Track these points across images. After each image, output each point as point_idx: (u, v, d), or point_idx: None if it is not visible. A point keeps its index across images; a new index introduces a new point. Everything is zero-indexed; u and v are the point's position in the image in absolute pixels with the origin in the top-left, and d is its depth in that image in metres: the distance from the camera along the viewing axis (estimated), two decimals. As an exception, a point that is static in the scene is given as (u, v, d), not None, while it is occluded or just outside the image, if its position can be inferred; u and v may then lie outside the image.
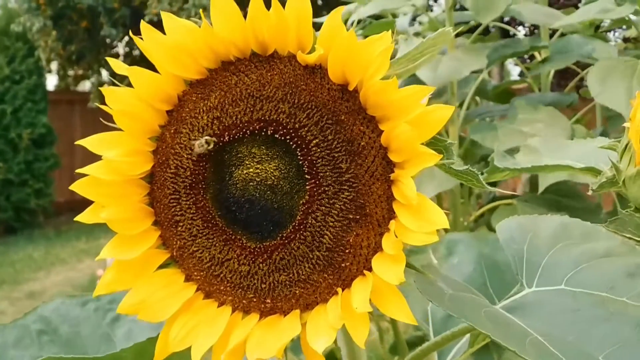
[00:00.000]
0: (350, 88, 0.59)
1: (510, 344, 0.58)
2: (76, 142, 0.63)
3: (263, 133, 0.60)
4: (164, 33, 0.61)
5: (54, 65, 12.75)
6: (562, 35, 2.59)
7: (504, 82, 3.25)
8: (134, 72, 0.61)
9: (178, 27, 0.61)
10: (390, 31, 0.58)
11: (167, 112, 0.65)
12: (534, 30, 6.00)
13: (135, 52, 14.07)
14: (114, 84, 0.63)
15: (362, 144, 0.59)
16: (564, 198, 2.25)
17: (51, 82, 13.12)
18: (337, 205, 0.60)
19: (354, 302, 0.57)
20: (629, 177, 0.91)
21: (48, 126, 10.35)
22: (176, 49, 0.61)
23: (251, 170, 0.60)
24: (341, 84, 0.60)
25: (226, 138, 0.61)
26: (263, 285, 0.63)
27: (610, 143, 1.03)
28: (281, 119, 0.60)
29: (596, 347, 0.64)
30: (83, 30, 12.11)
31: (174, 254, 0.66)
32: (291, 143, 0.60)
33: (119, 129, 0.63)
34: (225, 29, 0.59)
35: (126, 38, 13.37)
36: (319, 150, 0.59)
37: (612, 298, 0.70)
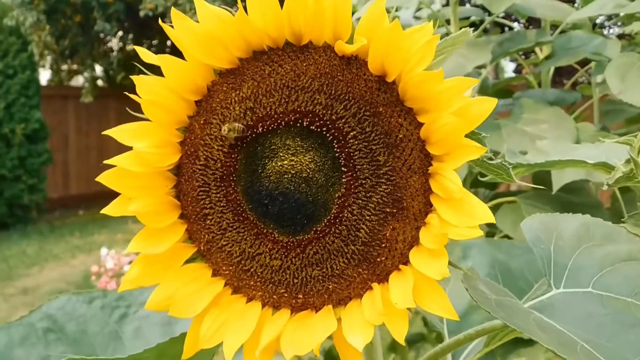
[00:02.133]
0: (389, 79, 0.58)
1: (565, 353, 0.57)
2: (103, 132, 0.61)
3: (298, 124, 0.59)
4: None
5: (47, 60, 12.69)
6: (562, 31, 2.58)
7: (505, 79, 3.24)
8: (165, 61, 0.59)
9: (211, 15, 0.59)
10: (432, 22, 0.56)
11: (196, 102, 0.63)
12: (528, 26, 6.00)
13: (129, 48, 14.02)
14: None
15: (399, 136, 0.58)
16: (567, 194, 2.24)
17: (44, 76, 13.05)
18: (374, 199, 0.58)
19: (392, 298, 0.56)
20: (647, 172, 0.90)
21: (41, 121, 10.28)
22: (208, 38, 0.59)
23: (285, 162, 0.59)
24: (378, 75, 0.58)
25: (260, 129, 0.60)
26: (295, 280, 0.61)
27: (625, 138, 1.03)
28: (317, 110, 0.58)
29: (630, 353, 0.63)
30: (76, 25, 12.06)
31: (201, 248, 0.64)
32: (327, 135, 0.58)
33: (146, 119, 0.62)
34: (261, 18, 0.58)
35: (120, 33, 13.32)
36: (356, 142, 0.58)
37: (636, 304, 0.70)
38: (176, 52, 0.62)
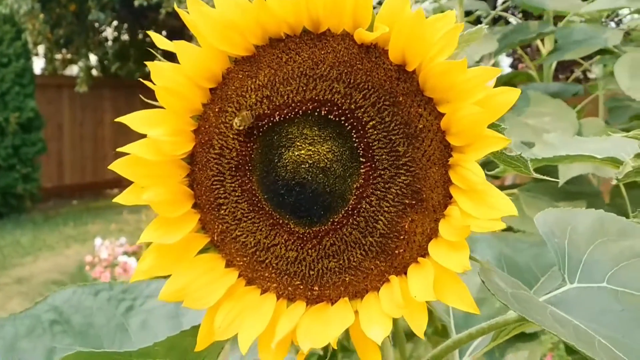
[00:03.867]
0: (409, 68, 0.57)
1: (584, 348, 0.56)
2: (116, 120, 0.60)
3: (316, 113, 0.58)
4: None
5: (40, 49, 12.63)
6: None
7: (508, 73, 3.22)
8: (180, 47, 0.58)
9: (228, 0, 0.58)
10: (454, 10, 0.55)
11: (211, 90, 0.62)
12: (526, 19, 6.00)
13: (124, 37, 13.96)
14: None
15: (419, 126, 0.57)
16: (566, 184, 2.24)
17: (38, 65, 12.99)
18: (393, 190, 0.57)
19: (412, 290, 0.55)
20: (659, 167, 0.89)
21: (36, 110, 10.23)
22: (225, 24, 0.58)
23: (303, 152, 0.58)
24: (398, 64, 0.57)
25: (277, 118, 0.58)
26: (311, 272, 0.60)
27: (635, 132, 1.02)
28: (336, 99, 0.57)
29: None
30: (71, 14, 12.00)
31: (215, 238, 0.63)
32: (346, 124, 0.57)
33: (158, 107, 0.60)
34: (279, 4, 0.57)
35: (115, 22, 13.25)
36: (375, 132, 0.57)
37: None
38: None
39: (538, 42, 2.64)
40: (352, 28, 0.57)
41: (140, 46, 13.84)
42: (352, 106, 0.57)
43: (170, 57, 0.59)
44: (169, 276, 0.63)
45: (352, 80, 0.57)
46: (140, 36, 14.01)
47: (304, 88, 0.58)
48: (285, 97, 0.58)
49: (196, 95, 0.61)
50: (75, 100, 12.14)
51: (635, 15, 2.80)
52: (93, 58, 13.49)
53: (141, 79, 0.60)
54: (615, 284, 0.72)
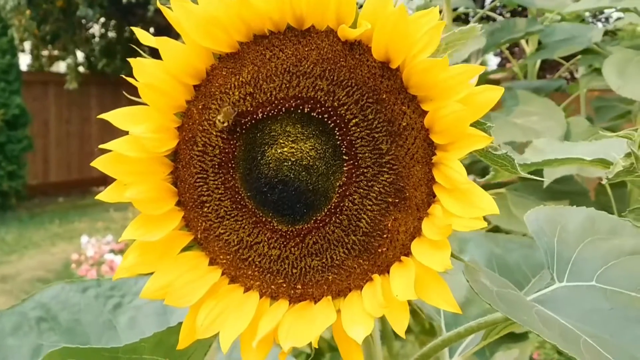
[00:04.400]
0: (393, 66, 0.56)
1: (567, 348, 0.56)
2: (98, 116, 0.60)
3: (299, 111, 0.58)
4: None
5: (27, 45, 12.54)
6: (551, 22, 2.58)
7: (489, 71, 3.23)
8: (163, 44, 0.58)
9: (211, -3, 0.57)
10: (437, 7, 0.55)
11: (195, 87, 0.61)
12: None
13: (111, 34, 13.89)
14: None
15: (403, 124, 0.57)
16: (553, 183, 2.25)
17: (24, 62, 12.90)
18: (376, 188, 0.57)
19: (393, 290, 0.55)
20: (649, 166, 0.89)
21: (22, 107, 10.16)
22: (208, 21, 0.58)
23: (285, 149, 0.58)
24: (382, 62, 0.57)
25: (259, 115, 0.58)
26: (294, 270, 0.60)
27: (625, 132, 1.03)
28: (319, 97, 0.57)
29: (635, 349, 0.63)
30: (58, 10, 11.92)
31: (198, 236, 0.63)
32: (329, 122, 0.57)
33: (143, 104, 0.60)
34: (263, 1, 0.56)
35: (102, 19, 13.18)
36: (358, 130, 0.57)
37: None
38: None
39: (522, 41, 2.66)
40: (335, 25, 0.57)
41: (127, 43, 13.77)
42: (335, 103, 0.57)
43: (158, 54, 0.59)
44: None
45: (335, 78, 0.57)
46: (128, 33, 13.96)
47: (287, 85, 0.58)
48: (269, 94, 0.58)
49: (179, 92, 0.60)
50: (62, 97, 12.06)
51: (622, 15, 2.82)
52: (80, 55, 13.41)
53: (124, 76, 0.59)
54: (604, 282, 0.72)
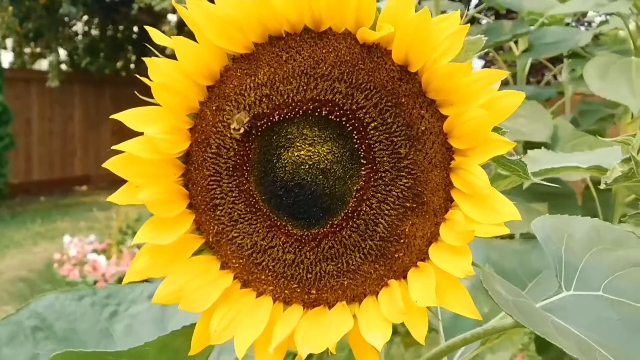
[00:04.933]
0: (412, 69, 0.56)
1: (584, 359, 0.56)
2: (111, 116, 0.59)
3: (317, 113, 0.57)
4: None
5: (9, 42, 12.43)
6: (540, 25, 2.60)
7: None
8: (179, 43, 0.57)
9: (228, -4, 0.56)
10: (458, 11, 0.55)
11: (208, 88, 0.60)
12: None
13: (94, 32, 13.80)
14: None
15: (421, 128, 0.56)
16: (541, 185, 2.27)
17: (6, 59, 12.78)
18: (394, 193, 0.56)
19: (412, 295, 0.55)
20: (649, 171, 0.90)
21: (4, 105, 10.05)
22: (224, 20, 0.57)
23: (302, 152, 0.57)
24: (400, 65, 0.57)
25: (276, 117, 0.57)
26: (309, 275, 0.59)
27: (623, 138, 1.03)
28: (337, 99, 0.56)
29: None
30: (41, 7, 11.81)
31: (210, 239, 0.62)
32: (347, 125, 0.56)
33: (155, 104, 0.59)
34: (281, 2, 0.55)
35: (85, 17, 13.09)
36: (377, 133, 0.56)
37: None
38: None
39: (511, 43, 2.67)
40: (354, 27, 0.56)
41: (111, 41, 13.70)
42: (354, 107, 0.56)
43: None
44: (151, 279, 0.61)
45: (354, 80, 0.56)
46: (111, 31, 13.87)
47: (305, 87, 0.57)
48: (285, 96, 0.57)
49: (193, 92, 0.59)
50: (44, 95, 11.95)
51: (604, 18, 2.84)
52: (62, 52, 13.31)
53: (137, 75, 0.58)
54: (611, 292, 0.72)
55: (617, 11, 1.91)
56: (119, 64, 14.23)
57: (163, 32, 0.58)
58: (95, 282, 5.98)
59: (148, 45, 0.60)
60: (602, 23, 2.76)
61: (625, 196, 2.38)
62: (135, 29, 13.78)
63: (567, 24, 2.94)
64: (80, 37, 13.57)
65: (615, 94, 1.87)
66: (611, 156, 1.08)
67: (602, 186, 1.01)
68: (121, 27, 13.79)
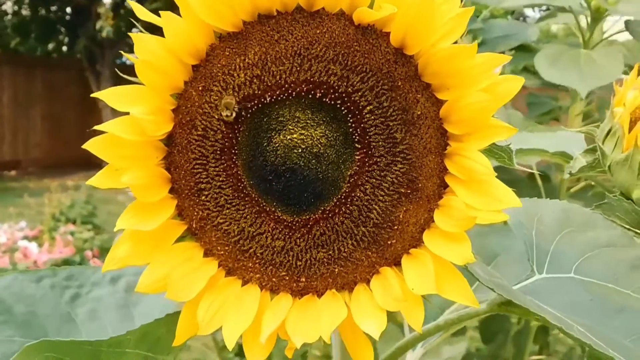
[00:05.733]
0: (410, 52, 0.54)
1: (569, 330, 0.56)
2: (92, 95, 0.55)
3: (310, 96, 0.55)
4: None
5: None
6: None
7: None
8: (167, 19, 0.53)
9: (219, -30, 0.54)
10: (459, -7, 0.54)
11: (193, 67, 0.57)
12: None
13: (25, 12, 13.33)
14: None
15: (417, 113, 0.55)
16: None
17: None
18: (389, 178, 0.55)
19: (409, 283, 0.53)
20: (615, 162, 0.91)
21: None
22: (214, -4, 0.54)
23: (295, 135, 0.55)
24: (395, 47, 0.55)
25: (267, 99, 0.55)
26: (298, 263, 0.57)
27: (587, 128, 1.05)
28: (332, 82, 0.54)
29: (619, 335, 0.64)
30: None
31: (193, 225, 0.59)
32: (342, 108, 0.55)
33: (138, 83, 0.56)
34: (275, -22, 0.53)
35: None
36: (372, 117, 0.55)
37: (617, 290, 0.72)
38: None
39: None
40: (349, 7, 0.55)
41: (42, 22, 13.24)
42: (349, 89, 0.54)
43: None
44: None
45: (349, 62, 0.54)
46: (43, 11, 13.42)
47: (298, 68, 0.55)
48: (278, 77, 0.55)
49: (178, 71, 0.56)
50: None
51: (540, 14, 2.90)
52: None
53: (126, 54, 0.55)
54: (582, 274, 0.73)
55: (568, 5, 1.95)
56: (50, 46, 13.80)
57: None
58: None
59: (133, 20, 0.57)
60: (541, 18, 2.81)
61: (571, 186, 2.44)
62: (69, 9, 13.37)
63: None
64: (9, 16, 13.08)
65: (565, 79, 1.92)
66: (573, 144, 1.10)
67: (566, 176, 1.03)
68: (54, 8, 13.37)
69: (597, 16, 2.05)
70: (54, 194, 7.07)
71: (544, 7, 3.40)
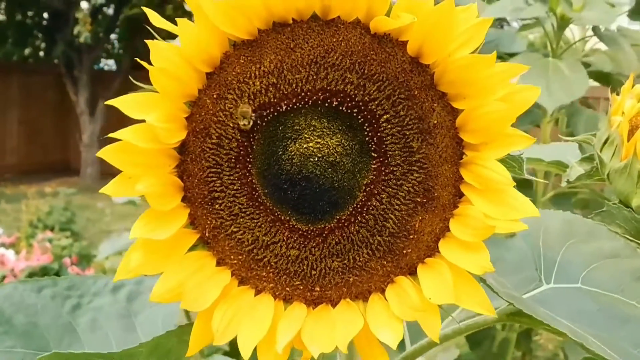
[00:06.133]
0: (426, 61, 0.55)
1: (581, 340, 0.57)
2: (106, 102, 0.54)
3: (326, 104, 0.55)
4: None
5: None
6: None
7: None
8: (183, 26, 0.53)
9: (235, -22, 0.53)
10: (475, 3, 0.54)
11: (207, 75, 0.57)
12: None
13: (1, 17, 13.19)
14: None
15: (433, 122, 0.55)
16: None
17: None
18: (405, 187, 0.55)
19: (426, 292, 0.53)
20: (614, 170, 0.92)
21: None
22: (230, 3, 0.53)
23: (311, 144, 0.54)
24: (411, 56, 0.55)
25: (283, 107, 0.55)
26: (313, 272, 0.57)
27: (584, 137, 1.05)
28: (348, 90, 0.54)
29: (627, 345, 0.65)
30: None
31: (206, 234, 0.58)
32: (359, 117, 0.54)
33: (152, 90, 0.55)
34: (291, -13, 0.53)
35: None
36: (389, 126, 0.54)
37: (623, 300, 0.72)
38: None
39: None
40: (365, 16, 0.55)
41: (19, 27, 13.11)
42: (366, 98, 0.54)
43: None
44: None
45: (365, 71, 0.54)
46: (20, 17, 13.28)
47: (315, 77, 0.55)
48: (294, 85, 0.55)
49: (193, 79, 0.56)
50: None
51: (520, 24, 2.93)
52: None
53: (141, 61, 0.54)
54: (589, 284, 0.74)
55: (535, 15, 1.97)
56: (27, 51, 13.66)
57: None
58: (3, 278, 5.72)
59: (148, 27, 0.56)
60: (523, 27, 2.84)
61: (545, 193, 2.46)
62: (46, 14, 13.26)
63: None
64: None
65: None
66: (568, 153, 1.10)
67: (564, 184, 1.03)
68: (30, 13, 13.24)
69: (563, 24, 2.08)
70: (31, 200, 6.99)
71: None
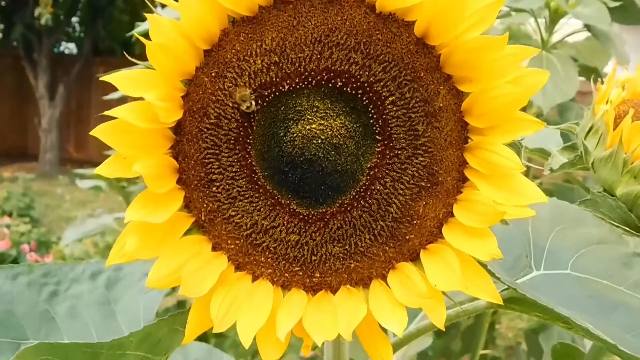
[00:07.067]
0: (433, 42, 0.53)
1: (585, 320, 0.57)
2: (101, 78, 0.52)
3: (330, 85, 0.53)
4: None
5: None
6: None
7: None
8: (184, 1, 0.51)
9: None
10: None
11: (205, 52, 0.55)
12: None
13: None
14: None
15: (439, 105, 0.54)
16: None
17: None
18: (410, 171, 0.54)
19: (431, 279, 0.52)
20: (599, 159, 0.92)
21: None
22: (231, -23, 0.51)
23: (314, 126, 0.53)
24: (417, 37, 0.54)
25: (285, 87, 0.53)
26: (313, 258, 0.55)
27: (567, 125, 1.05)
28: (353, 70, 0.53)
29: (619, 330, 0.65)
30: None
31: (202, 218, 0.56)
32: (363, 98, 0.53)
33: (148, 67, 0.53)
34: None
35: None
36: (395, 108, 0.53)
37: (612, 286, 0.73)
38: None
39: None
40: (373, -6, 0.53)
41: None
42: (371, 79, 0.53)
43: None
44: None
45: (371, 51, 0.53)
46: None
47: (319, 56, 0.53)
48: (297, 64, 0.53)
49: (191, 56, 0.54)
50: None
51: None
52: None
53: (138, 36, 0.52)
54: (578, 270, 0.74)
55: (532, 7, 1.97)
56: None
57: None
58: (-40, 264, 5.58)
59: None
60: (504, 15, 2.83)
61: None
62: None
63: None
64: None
65: None
66: (550, 140, 1.10)
67: (546, 172, 1.03)
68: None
69: (556, 18, 2.08)
70: (12, 185, 6.84)
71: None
